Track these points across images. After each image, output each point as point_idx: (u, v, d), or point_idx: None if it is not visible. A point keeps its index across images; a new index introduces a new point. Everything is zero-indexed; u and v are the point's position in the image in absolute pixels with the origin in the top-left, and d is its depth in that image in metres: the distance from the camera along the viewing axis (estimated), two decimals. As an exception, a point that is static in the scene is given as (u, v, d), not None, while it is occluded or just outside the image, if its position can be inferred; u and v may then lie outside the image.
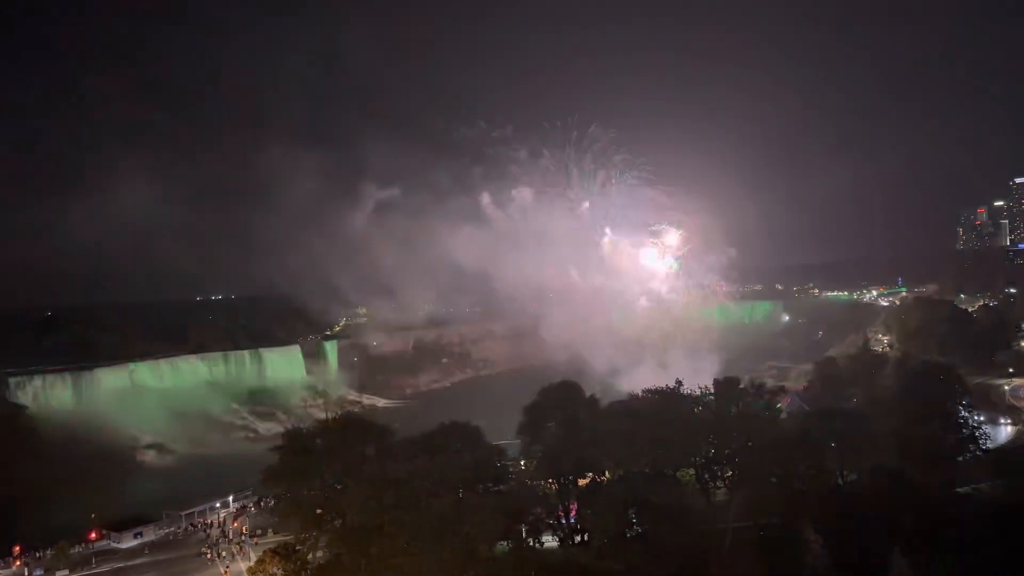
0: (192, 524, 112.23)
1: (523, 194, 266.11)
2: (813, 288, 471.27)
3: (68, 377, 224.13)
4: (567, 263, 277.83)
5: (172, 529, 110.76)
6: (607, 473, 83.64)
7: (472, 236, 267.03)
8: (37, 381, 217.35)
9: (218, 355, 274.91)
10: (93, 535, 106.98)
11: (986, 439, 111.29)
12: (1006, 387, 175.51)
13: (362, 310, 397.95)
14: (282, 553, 72.80)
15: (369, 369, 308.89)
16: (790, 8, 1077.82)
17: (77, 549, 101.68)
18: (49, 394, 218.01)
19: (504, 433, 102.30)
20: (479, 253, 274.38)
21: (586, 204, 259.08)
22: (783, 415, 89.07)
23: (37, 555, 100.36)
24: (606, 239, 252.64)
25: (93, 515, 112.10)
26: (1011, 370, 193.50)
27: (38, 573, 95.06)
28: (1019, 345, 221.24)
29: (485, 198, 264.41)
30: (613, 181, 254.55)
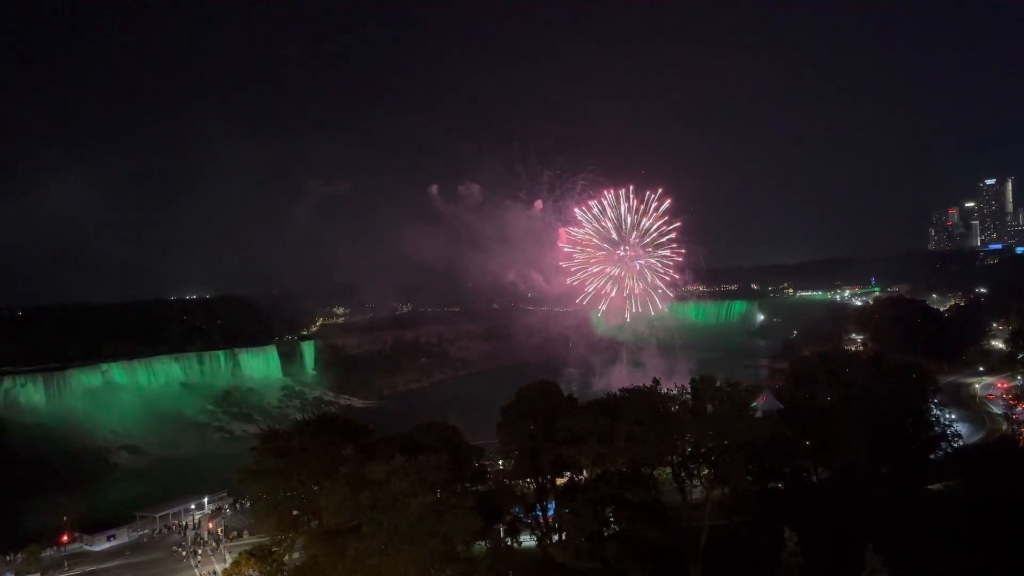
0: (167, 526, 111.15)
1: (471, 190, 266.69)
2: (788, 288, 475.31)
3: (40, 378, 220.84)
4: (528, 264, 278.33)
5: (146, 531, 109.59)
6: (585, 472, 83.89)
7: (436, 235, 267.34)
8: (8, 382, 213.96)
9: (193, 355, 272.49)
10: (65, 538, 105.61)
11: (957, 437, 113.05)
12: (976, 385, 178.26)
13: (339, 310, 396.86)
14: (258, 554, 72.42)
15: (346, 369, 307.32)
16: (762, 7, 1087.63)
17: (49, 552, 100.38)
18: (20, 395, 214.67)
19: (482, 433, 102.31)
20: (445, 252, 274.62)
21: (539, 203, 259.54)
22: (758, 414, 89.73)
23: (7, 559, 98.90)
24: (561, 238, 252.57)
25: (65, 517, 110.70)
26: (981, 369, 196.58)
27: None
28: (989, 344, 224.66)
29: (435, 193, 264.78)
30: (560, 181, 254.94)
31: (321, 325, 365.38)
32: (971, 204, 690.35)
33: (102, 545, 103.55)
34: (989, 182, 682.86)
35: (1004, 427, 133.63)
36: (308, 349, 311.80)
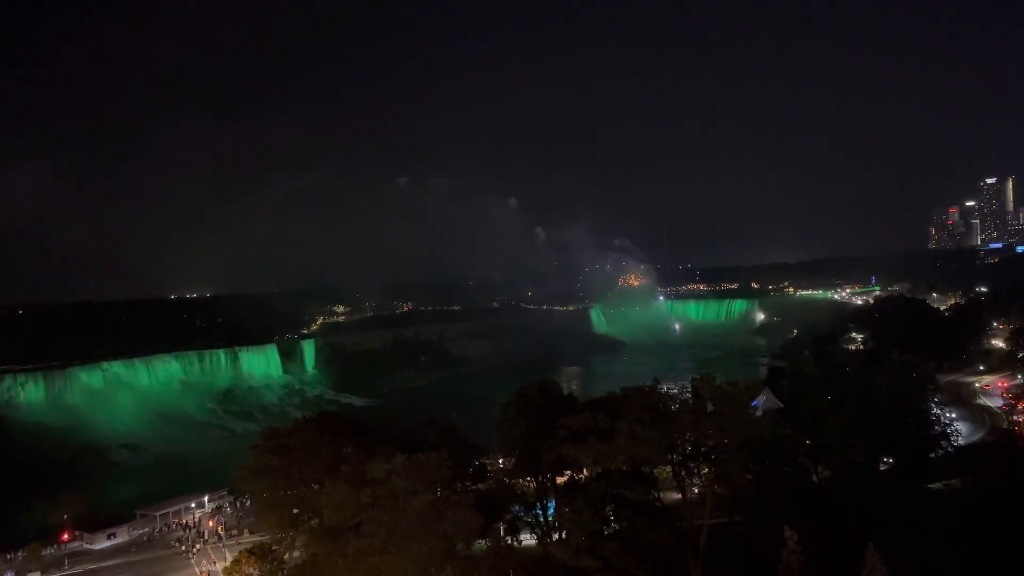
0: (167, 524, 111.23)
1: (441, 184, 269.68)
2: (788, 287, 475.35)
3: (40, 376, 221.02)
4: (512, 261, 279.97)
5: (146, 529, 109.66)
6: (585, 471, 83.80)
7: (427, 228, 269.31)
8: (8, 381, 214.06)
9: (193, 354, 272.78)
10: (65, 536, 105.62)
11: (958, 436, 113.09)
12: (977, 384, 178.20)
13: (339, 308, 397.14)
14: (258, 553, 72.35)
15: (346, 368, 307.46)
16: (766, 7, 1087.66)
17: (49, 550, 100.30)
18: (20, 393, 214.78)
19: (482, 431, 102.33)
20: (438, 245, 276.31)
21: (512, 200, 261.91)
22: (758, 412, 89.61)
23: (8, 557, 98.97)
24: (539, 237, 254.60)
25: (65, 516, 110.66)
26: (981, 367, 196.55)
27: (9, 575, 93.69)
28: (989, 343, 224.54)
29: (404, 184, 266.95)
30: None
31: (321, 324, 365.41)
32: (972, 203, 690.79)
33: (102, 543, 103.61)
34: (990, 181, 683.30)
35: (1004, 425, 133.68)
36: (308, 348, 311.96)
